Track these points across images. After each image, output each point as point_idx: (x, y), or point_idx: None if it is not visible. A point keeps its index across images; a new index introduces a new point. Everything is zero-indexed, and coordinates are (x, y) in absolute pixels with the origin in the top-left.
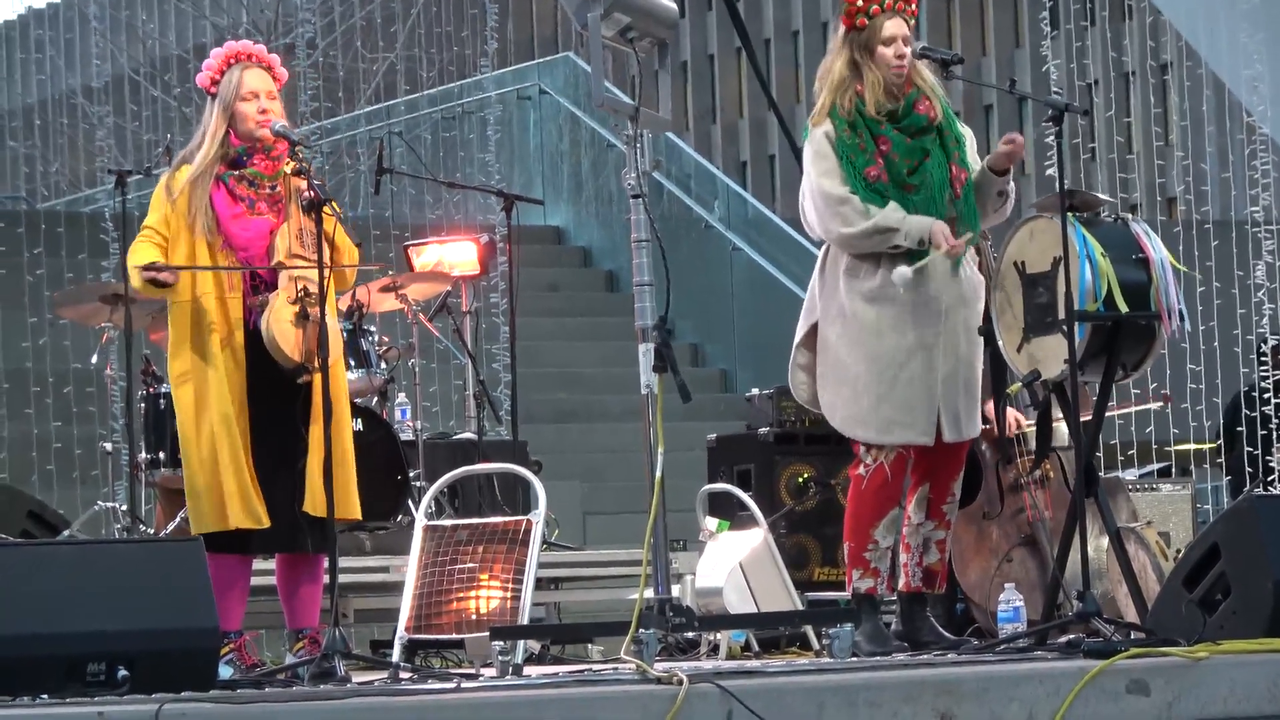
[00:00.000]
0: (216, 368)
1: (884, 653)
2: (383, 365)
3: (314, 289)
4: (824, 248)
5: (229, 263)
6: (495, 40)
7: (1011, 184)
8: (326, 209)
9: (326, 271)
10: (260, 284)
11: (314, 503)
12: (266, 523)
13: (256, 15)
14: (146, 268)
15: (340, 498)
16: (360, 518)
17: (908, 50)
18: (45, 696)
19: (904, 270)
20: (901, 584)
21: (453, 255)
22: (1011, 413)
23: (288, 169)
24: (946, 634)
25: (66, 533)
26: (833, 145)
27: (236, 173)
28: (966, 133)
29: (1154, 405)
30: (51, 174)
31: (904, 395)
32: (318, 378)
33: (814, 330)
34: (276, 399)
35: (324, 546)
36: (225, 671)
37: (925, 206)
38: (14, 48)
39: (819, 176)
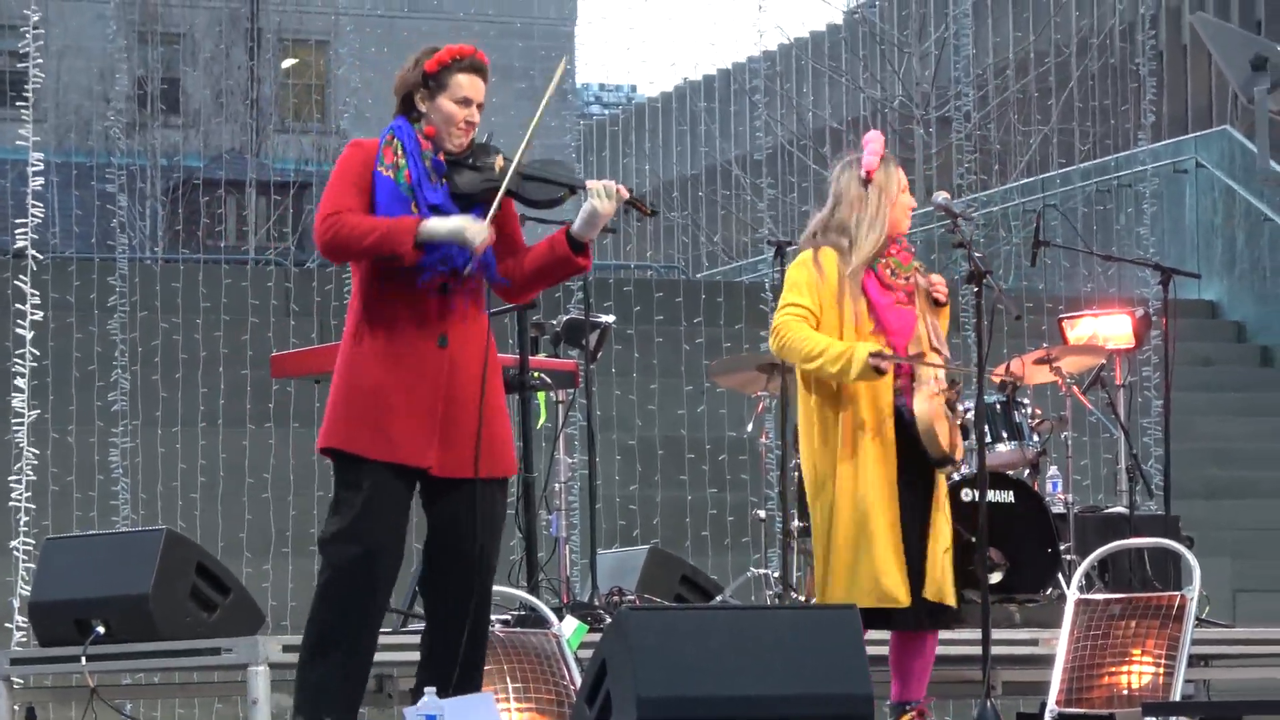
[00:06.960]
0: (867, 451)
1: None
2: (1035, 437)
3: (944, 384)
4: None
5: (877, 344)
6: (1153, 114)
7: None
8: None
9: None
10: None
11: (934, 590)
12: (906, 602)
13: (912, 88)
14: (876, 355)
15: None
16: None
17: None
18: None
19: None
20: None
21: (1107, 328)
22: None
23: (916, 264)
24: None
25: (719, 598)
26: None
27: (880, 260)
28: None
29: None
30: (709, 244)
31: None
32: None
33: None
34: (916, 486)
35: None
36: None
37: None
38: (670, 119)
39: None
